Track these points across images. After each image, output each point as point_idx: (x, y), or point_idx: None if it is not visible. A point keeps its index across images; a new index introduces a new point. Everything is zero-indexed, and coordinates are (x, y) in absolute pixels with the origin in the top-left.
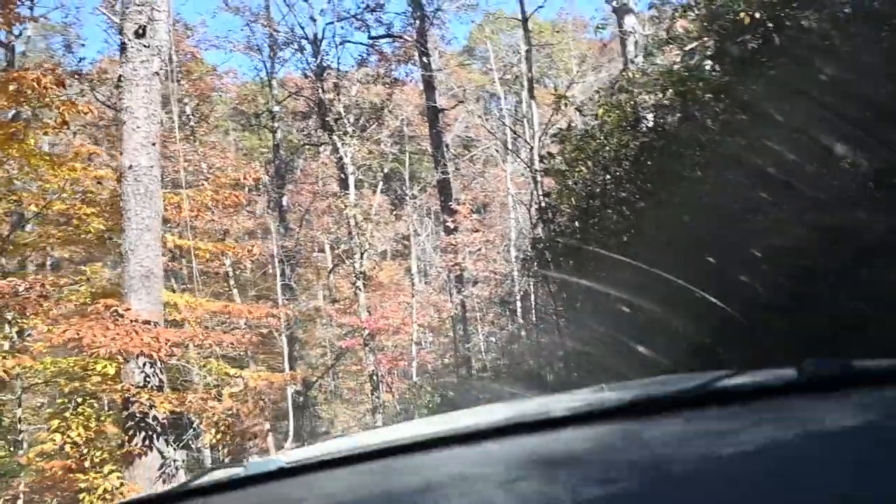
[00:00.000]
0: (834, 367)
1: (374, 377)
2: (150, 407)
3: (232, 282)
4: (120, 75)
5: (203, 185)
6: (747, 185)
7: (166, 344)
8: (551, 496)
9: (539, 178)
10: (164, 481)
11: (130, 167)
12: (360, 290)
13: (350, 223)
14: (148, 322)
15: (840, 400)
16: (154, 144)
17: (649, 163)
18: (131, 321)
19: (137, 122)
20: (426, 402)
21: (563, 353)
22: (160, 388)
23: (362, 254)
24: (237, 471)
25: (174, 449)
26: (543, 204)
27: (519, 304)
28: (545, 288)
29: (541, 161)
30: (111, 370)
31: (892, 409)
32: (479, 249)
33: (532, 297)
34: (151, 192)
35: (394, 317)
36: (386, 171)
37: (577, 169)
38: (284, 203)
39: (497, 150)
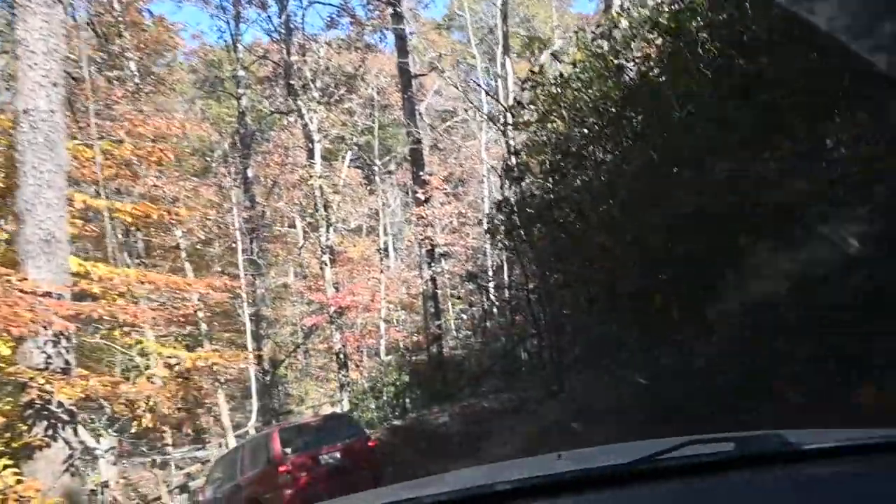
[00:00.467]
0: (770, 444)
1: (341, 355)
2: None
3: (183, 254)
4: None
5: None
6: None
7: (68, 318)
8: None
9: (510, 133)
10: (72, 475)
11: (26, 111)
12: (326, 265)
13: (315, 195)
14: (49, 294)
15: (776, 477)
16: (56, 85)
17: (632, 114)
18: (23, 292)
19: (34, 59)
20: (392, 380)
21: (537, 330)
22: (66, 371)
23: (328, 227)
24: None
25: (97, 438)
26: (513, 162)
27: (491, 279)
28: (518, 261)
29: (510, 112)
30: (4, 350)
31: (826, 487)
32: (451, 222)
33: (505, 271)
34: (53, 142)
35: (363, 293)
36: (359, 143)
37: (550, 121)
38: (250, 175)
39: (472, 118)
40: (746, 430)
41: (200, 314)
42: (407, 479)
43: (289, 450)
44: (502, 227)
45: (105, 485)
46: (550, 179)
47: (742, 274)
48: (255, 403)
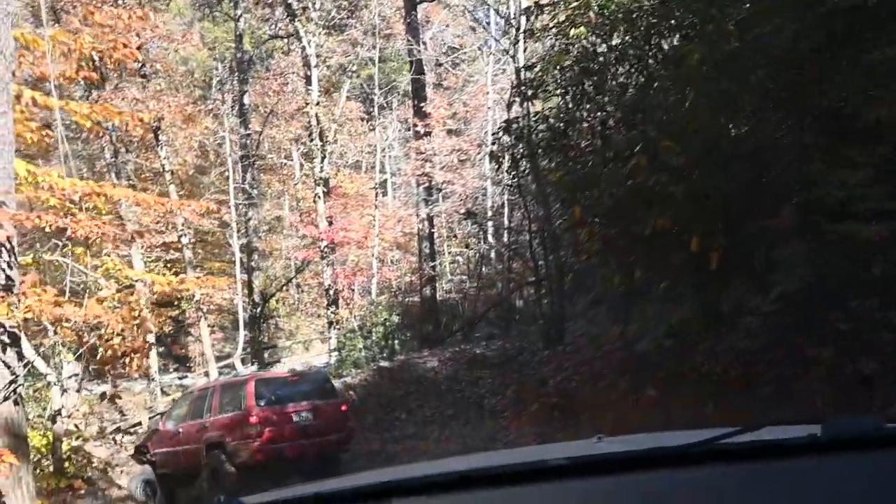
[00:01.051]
0: (854, 426)
1: (331, 291)
2: None
3: (168, 176)
4: None
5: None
6: None
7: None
8: None
9: (521, 39)
10: (15, 403)
11: None
12: (319, 197)
13: (311, 123)
14: None
15: (858, 460)
16: None
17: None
18: None
19: None
20: (382, 321)
21: (536, 277)
22: (8, 289)
23: (323, 158)
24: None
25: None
26: (524, 77)
27: (491, 220)
28: (521, 200)
29: (525, 15)
30: None
31: None
32: (452, 160)
33: (506, 213)
34: None
35: (356, 230)
36: (361, 75)
37: (574, 25)
38: (247, 102)
39: (479, 48)
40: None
41: (186, 240)
42: (390, 423)
43: (262, 402)
44: (508, 155)
45: (58, 413)
46: (569, 96)
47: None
48: (241, 335)
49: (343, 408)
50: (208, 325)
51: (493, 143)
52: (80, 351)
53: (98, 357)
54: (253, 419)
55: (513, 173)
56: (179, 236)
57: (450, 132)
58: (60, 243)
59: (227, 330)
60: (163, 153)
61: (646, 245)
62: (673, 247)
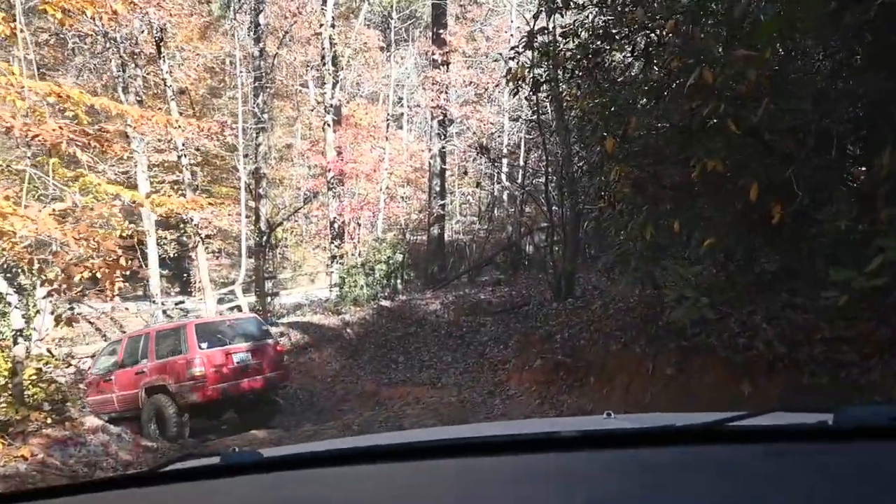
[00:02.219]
0: (866, 415)
1: (336, 224)
2: None
3: (169, 92)
4: None
5: None
6: None
7: None
8: None
9: None
10: None
11: None
12: (328, 125)
13: (324, 45)
14: None
15: (868, 449)
16: None
17: None
18: None
19: None
20: (385, 258)
21: (550, 223)
22: None
23: (335, 84)
24: (213, 460)
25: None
26: None
27: (505, 160)
28: (540, 135)
29: None
30: None
31: None
32: (468, 92)
33: (522, 154)
34: None
35: (366, 162)
36: (383, 2)
37: None
38: (262, 22)
39: None
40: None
41: (185, 161)
42: (386, 365)
43: (204, 344)
44: (529, 76)
45: (19, 333)
46: (607, 4)
47: None
48: (244, 262)
49: (279, 348)
50: (213, 251)
51: (512, 59)
52: (37, 268)
53: (54, 277)
54: (197, 361)
55: (533, 101)
56: (179, 156)
57: (469, 66)
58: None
59: (234, 256)
60: (165, 66)
61: (688, 192)
62: (725, 196)
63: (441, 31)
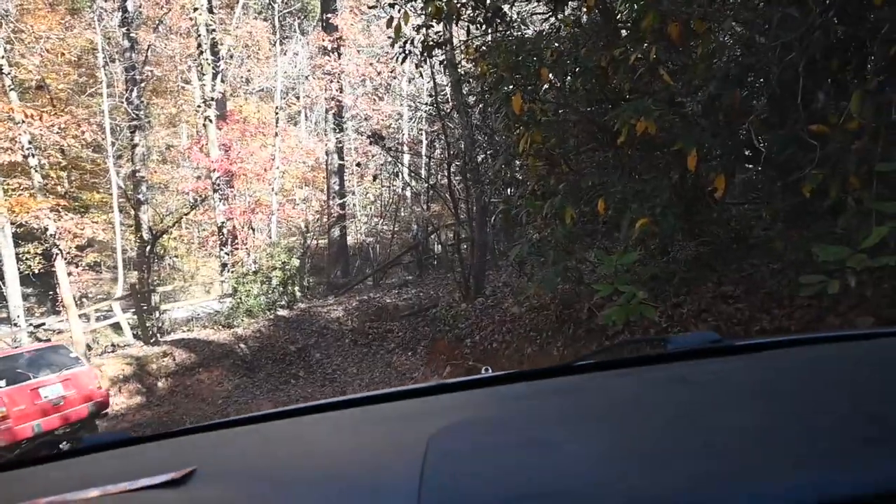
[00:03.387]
0: (693, 340)
1: (224, 230)
2: None
3: (8, 80)
4: None
5: None
6: None
7: None
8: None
9: None
10: None
11: None
12: (210, 121)
13: (200, 32)
14: None
15: (697, 367)
16: None
17: None
18: None
19: None
20: (280, 264)
21: (456, 219)
22: None
23: (215, 75)
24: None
25: None
26: None
27: (406, 154)
28: (441, 121)
29: None
30: None
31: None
32: (361, 78)
33: (423, 145)
34: None
35: (256, 161)
36: None
37: None
38: (130, 8)
39: None
40: None
41: (34, 161)
42: (285, 381)
43: (2, 382)
44: (419, 34)
45: None
46: None
47: None
48: (120, 275)
49: (94, 375)
50: (88, 264)
51: (393, 5)
52: None
53: None
54: None
55: (427, 70)
56: (25, 156)
57: (365, 59)
58: None
59: (114, 270)
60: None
61: (613, 164)
62: (657, 167)
63: (330, 16)
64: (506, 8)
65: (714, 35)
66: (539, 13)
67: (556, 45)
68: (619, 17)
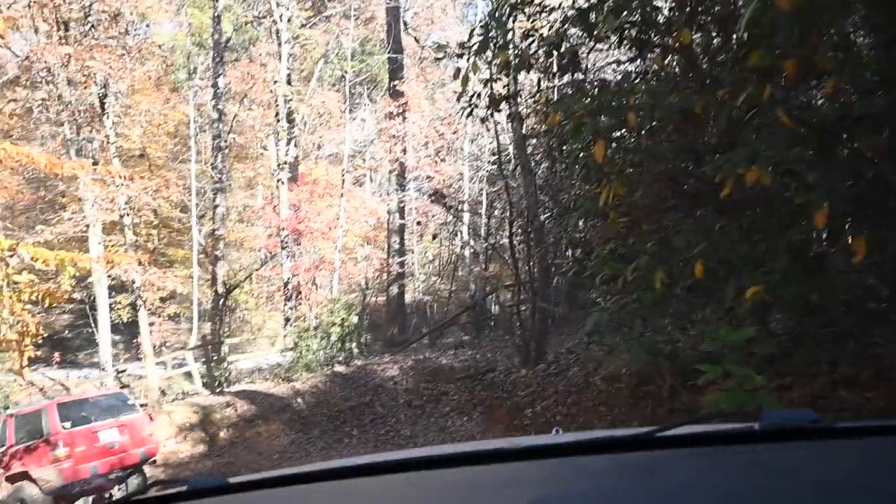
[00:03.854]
0: (791, 418)
1: (289, 286)
2: None
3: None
4: None
5: None
6: None
7: None
8: None
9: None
10: None
11: None
12: (282, 183)
13: (278, 102)
14: None
15: (793, 449)
16: None
17: None
18: None
19: None
20: (339, 320)
21: (516, 279)
22: None
23: (289, 140)
24: (181, 486)
25: None
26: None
27: (466, 213)
28: (502, 184)
29: None
30: None
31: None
32: (424, 139)
33: (483, 205)
34: None
35: (322, 220)
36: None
37: None
38: (221, 84)
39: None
40: None
41: (128, 220)
42: (338, 440)
43: (67, 424)
44: (486, 87)
45: None
46: None
47: None
48: (195, 326)
49: (147, 423)
50: (168, 315)
51: (462, 56)
52: None
53: None
54: (60, 443)
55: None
56: (121, 215)
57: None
58: None
59: (191, 321)
60: (108, 123)
61: (713, 220)
62: (773, 223)
63: (396, 83)
64: (581, 55)
65: (844, 69)
66: (613, 62)
67: (644, 87)
68: (710, 58)
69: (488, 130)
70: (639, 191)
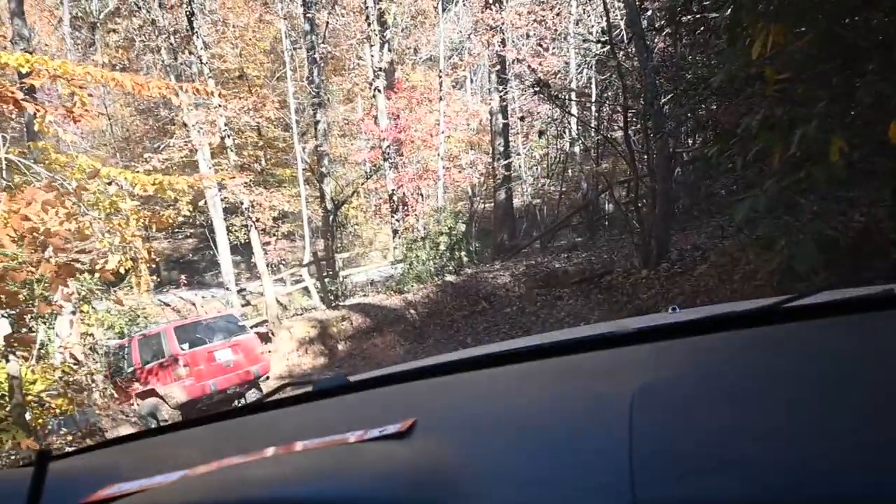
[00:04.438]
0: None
1: (394, 197)
2: None
3: (206, 69)
4: None
5: None
6: None
7: None
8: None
9: None
10: None
11: None
12: (379, 91)
13: (367, 4)
14: None
15: None
16: None
17: None
18: None
19: None
20: (447, 229)
21: (632, 174)
22: None
23: (382, 45)
24: (306, 387)
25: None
26: None
27: (574, 107)
28: (615, 70)
29: None
30: None
31: None
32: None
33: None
34: None
35: (421, 127)
36: None
37: None
38: None
39: None
40: None
41: (229, 142)
42: (453, 349)
43: (185, 345)
44: None
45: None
46: None
47: None
48: (307, 243)
49: (258, 342)
50: (283, 234)
51: None
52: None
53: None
54: (181, 362)
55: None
56: (222, 137)
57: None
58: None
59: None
60: (199, 43)
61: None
62: None
63: None
64: None
65: None
66: None
67: None
68: None
69: (594, 9)
70: (811, 34)
